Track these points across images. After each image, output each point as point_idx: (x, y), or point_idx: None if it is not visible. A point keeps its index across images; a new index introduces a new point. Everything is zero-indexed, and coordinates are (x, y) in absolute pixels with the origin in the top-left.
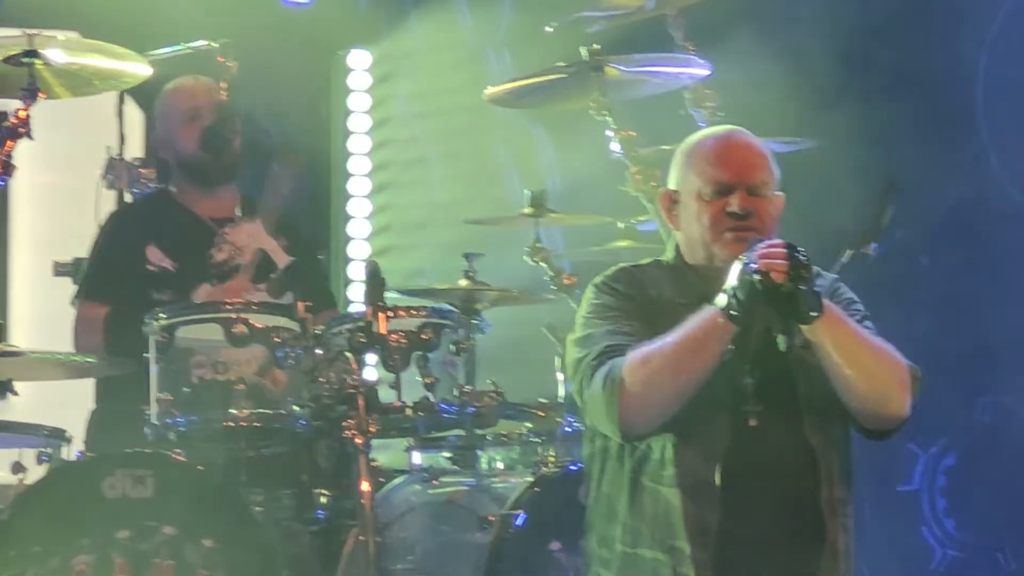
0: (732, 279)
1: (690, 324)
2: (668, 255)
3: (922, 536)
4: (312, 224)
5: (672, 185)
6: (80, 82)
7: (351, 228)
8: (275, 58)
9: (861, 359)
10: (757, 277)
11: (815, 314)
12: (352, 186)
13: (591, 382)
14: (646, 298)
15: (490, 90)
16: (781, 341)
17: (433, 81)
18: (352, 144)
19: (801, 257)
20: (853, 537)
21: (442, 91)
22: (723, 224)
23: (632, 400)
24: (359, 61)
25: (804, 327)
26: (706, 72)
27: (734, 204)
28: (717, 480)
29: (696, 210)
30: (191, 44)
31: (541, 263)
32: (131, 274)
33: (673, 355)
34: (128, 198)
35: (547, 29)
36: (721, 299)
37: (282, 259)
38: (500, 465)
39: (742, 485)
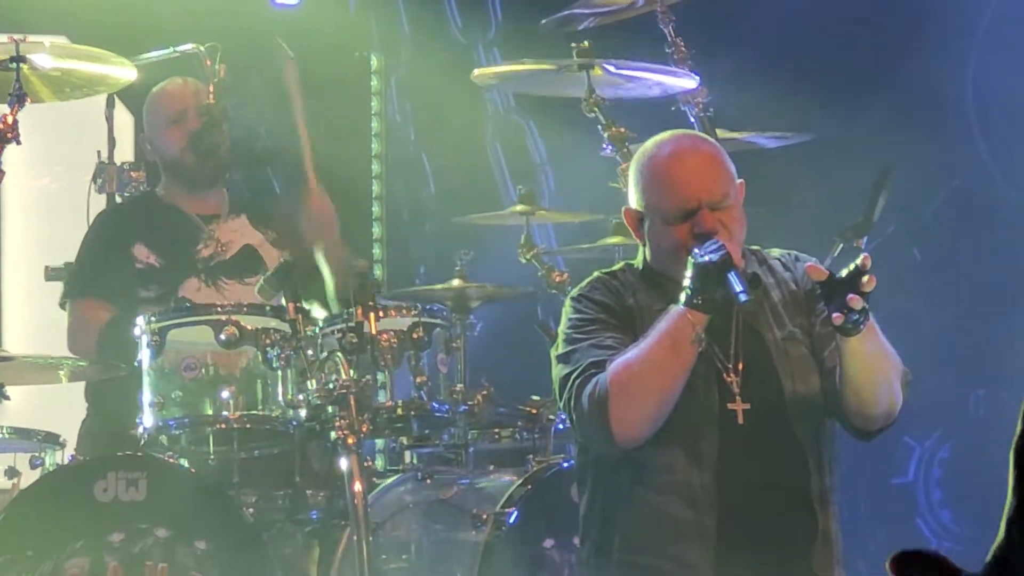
0: (688, 272)
1: (662, 324)
2: (639, 261)
3: (918, 528)
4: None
5: (633, 204)
6: (65, 86)
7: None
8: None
9: (884, 367)
10: (706, 259)
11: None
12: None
13: (579, 403)
14: (624, 306)
15: (478, 72)
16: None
17: (424, 82)
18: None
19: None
20: (841, 524)
21: (433, 91)
22: (691, 245)
23: (621, 409)
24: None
25: (846, 336)
26: (693, 84)
27: (699, 226)
28: (713, 484)
29: (662, 232)
30: (179, 48)
31: (533, 261)
32: (121, 271)
33: (652, 357)
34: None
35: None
36: (683, 296)
37: (270, 253)
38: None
39: (736, 485)
